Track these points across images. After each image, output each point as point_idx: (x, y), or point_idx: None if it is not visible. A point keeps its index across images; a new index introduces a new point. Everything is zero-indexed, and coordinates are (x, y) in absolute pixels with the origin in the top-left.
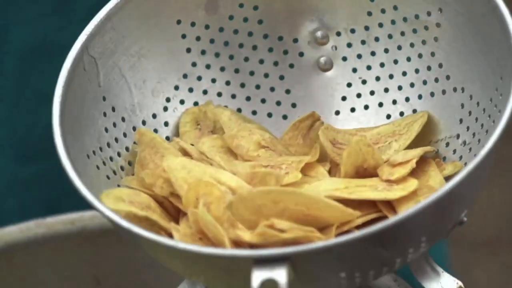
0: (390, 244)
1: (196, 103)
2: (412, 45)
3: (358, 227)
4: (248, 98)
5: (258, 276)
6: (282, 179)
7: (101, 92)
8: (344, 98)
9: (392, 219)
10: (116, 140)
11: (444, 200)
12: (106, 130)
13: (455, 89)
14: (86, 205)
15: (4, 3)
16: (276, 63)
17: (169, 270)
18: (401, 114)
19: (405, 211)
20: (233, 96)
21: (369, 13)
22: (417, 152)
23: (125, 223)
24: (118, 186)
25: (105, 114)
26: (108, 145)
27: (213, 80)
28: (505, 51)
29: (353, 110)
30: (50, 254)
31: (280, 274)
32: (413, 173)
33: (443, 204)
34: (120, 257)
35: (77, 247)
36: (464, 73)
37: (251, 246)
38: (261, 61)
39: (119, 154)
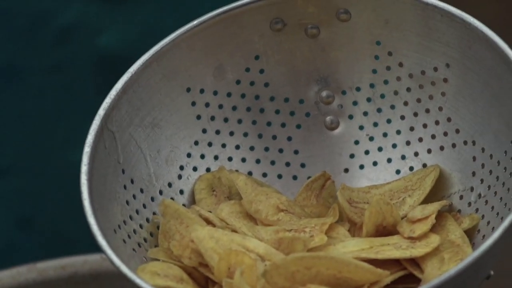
0: None
1: (208, 169)
2: (419, 100)
3: (386, 286)
4: (257, 161)
5: None
6: (309, 243)
7: (120, 165)
8: (352, 156)
9: (431, 283)
10: (137, 212)
11: (480, 260)
12: (127, 202)
13: (465, 142)
14: None
15: None
16: (283, 125)
17: None
18: (411, 168)
19: (441, 276)
20: (243, 160)
21: (374, 71)
22: (435, 207)
23: None
24: (145, 258)
25: (125, 187)
26: (131, 217)
27: (223, 145)
28: None
29: (361, 167)
30: None
31: None
32: (431, 228)
33: (479, 263)
34: None
35: None
36: (475, 126)
37: None
38: (269, 124)
39: (141, 226)
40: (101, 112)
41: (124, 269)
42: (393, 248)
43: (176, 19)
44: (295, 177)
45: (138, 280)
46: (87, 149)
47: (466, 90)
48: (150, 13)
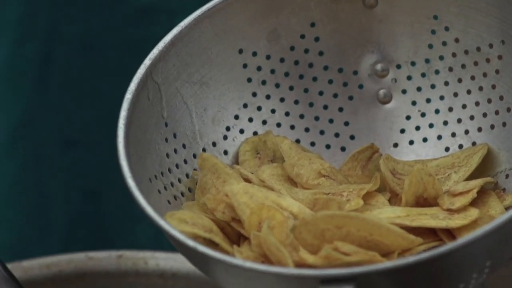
0: (455, 268)
1: (255, 133)
2: (473, 77)
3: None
4: (307, 129)
5: None
6: (344, 205)
7: (164, 119)
8: (402, 131)
9: (458, 241)
10: (177, 166)
11: (509, 226)
12: (168, 155)
13: None
14: None
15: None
16: (335, 95)
17: None
18: (460, 146)
19: (467, 236)
20: (292, 127)
21: (430, 46)
22: (478, 182)
23: (190, 242)
24: None
25: (166, 140)
26: (170, 170)
27: (273, 111)
28: None
29: (411, 142)
30: None
31: None
32: (473, 204)
33: (507, 230)
34: None
35: None
36: None
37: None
38: (321, 93)
39: (179, 180)
40: (147, 62)
41: (150, 210)
42: (430, 217)
43: None
44: (343, 149)
45: (162, 222)
46: (128, 95)
47: None
48: None
